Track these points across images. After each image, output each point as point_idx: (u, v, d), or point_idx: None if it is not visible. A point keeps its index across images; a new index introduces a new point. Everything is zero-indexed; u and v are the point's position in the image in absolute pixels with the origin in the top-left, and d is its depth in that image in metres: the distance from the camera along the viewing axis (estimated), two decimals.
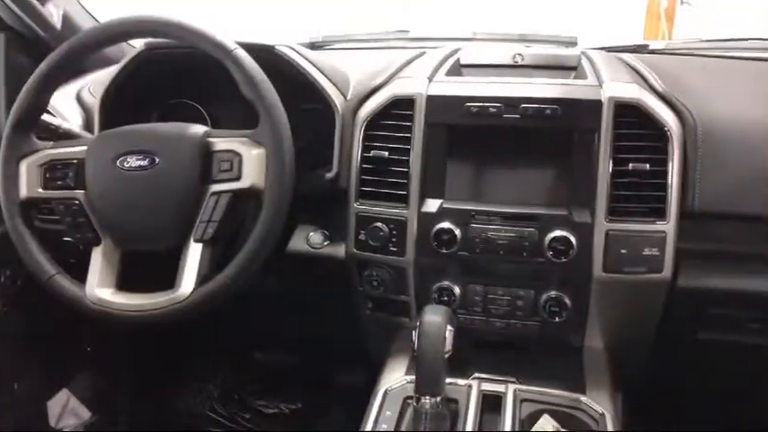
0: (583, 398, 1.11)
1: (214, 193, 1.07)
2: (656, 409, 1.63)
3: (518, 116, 1.17)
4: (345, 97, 1.29)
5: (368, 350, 1.43)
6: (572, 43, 1.64)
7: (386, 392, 1.14)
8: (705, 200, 1.15)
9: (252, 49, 1.11)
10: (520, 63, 1.39)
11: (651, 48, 1.60)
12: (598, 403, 1.10)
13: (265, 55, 1.20)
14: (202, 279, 1.06)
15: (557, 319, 1.20)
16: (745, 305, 1.23)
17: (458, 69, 1.38)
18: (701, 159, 1.14)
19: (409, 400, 1.09)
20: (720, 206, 1.16)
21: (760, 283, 1.19)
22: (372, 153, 1.22)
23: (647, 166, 1.13)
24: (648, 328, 1.27)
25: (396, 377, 1.19)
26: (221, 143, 1.09)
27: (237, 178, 1.07)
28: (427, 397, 1.00)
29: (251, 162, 1.06)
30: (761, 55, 1.50)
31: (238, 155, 1.07)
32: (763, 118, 1.20)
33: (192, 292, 1.05)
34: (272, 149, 1.06)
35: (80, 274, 1.12)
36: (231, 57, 1.07)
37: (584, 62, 1.35)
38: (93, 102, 1.37)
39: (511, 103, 1.17)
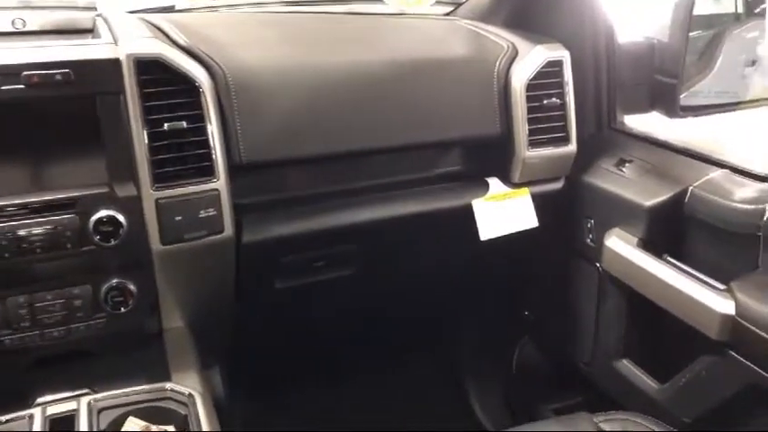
0: (168, 385, 1.01)
1: None
2: (261, 369, 1.64)
3: (22, 86, 0.98)
4: None
5: None
6: (90, 8, 1.48)
7: None
8: (250, 151, 1.13)
9: None
10: (22, 29, 1.18)
11: (177, 8, 1.55)
12: (185, 386, 1.01)
13: None
14: None
15: (122, 309, 1.07)
16: (310, 246, 1.28)
17: None
18: (239, 111, 1.12)
19: None
20: (267, 155, 1.16)
21: (316, 222, 1.24)
22: None
23: (185, 124, 1.06)
24: (227, 292, 1.23)
25: None
26: None
27: None
28: None
29: None
30: (279, 9, 1.58)
31: None
32: (289, 66, 1.22)
33: None
34: None
35: None
36: None
37: (100, 23, 1.22)
38: None
39: (9, 71, 0.98)
